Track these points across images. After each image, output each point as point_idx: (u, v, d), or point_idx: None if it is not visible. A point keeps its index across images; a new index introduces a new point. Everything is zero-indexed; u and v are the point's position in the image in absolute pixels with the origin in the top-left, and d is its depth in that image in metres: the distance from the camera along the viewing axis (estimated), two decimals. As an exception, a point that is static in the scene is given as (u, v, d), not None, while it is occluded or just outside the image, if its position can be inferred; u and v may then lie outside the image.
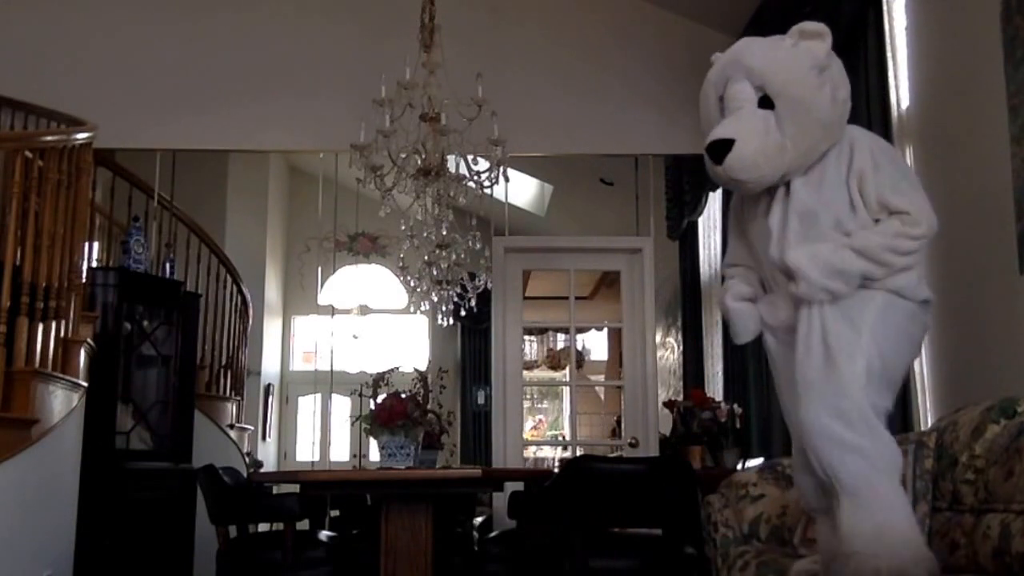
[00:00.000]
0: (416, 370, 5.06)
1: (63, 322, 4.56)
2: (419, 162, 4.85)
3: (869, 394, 2.32)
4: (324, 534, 4.85)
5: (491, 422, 6.36)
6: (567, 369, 9.27)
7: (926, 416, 3.65)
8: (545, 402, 11.74)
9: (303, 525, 4.71)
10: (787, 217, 2.48)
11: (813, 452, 2.33)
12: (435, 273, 5.87)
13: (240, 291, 7.32)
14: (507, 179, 5.01)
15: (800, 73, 2.44)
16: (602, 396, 11.06)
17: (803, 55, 2.46)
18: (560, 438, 11.00)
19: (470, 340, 8.84)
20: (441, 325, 6.95)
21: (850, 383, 2.31)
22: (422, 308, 6.45)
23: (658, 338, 6.62)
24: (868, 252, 2.38)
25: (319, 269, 7.15)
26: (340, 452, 7.76)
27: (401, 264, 6.27)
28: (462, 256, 5.82)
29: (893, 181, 2.44)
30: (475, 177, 4.91)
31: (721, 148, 2.44)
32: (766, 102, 2.46)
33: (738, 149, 2.42)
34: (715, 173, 2.49)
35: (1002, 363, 3.17)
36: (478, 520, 6.22)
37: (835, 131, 2.48)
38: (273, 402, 7.95)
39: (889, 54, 4.00)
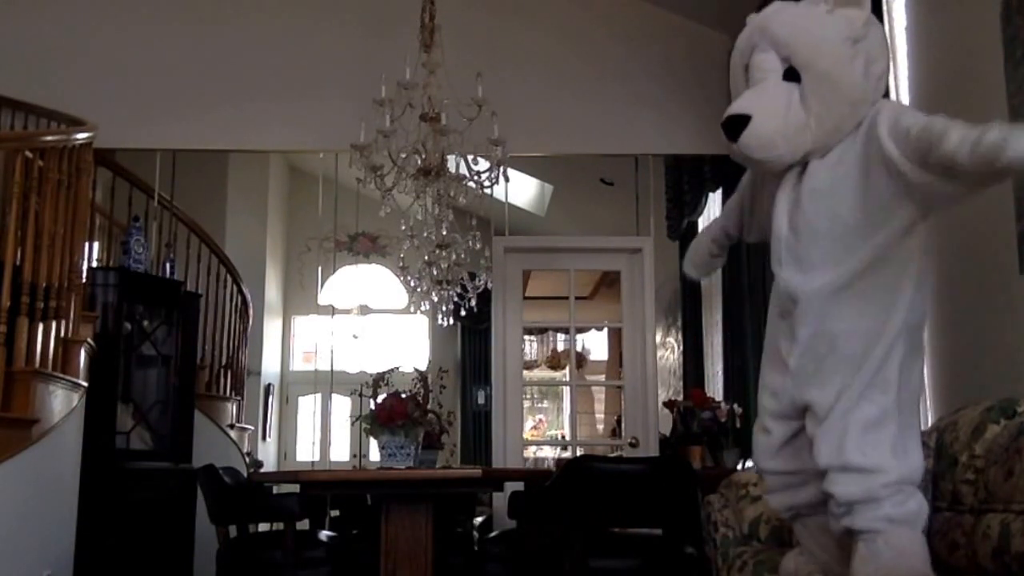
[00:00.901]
0: (416, 370, 5.06)
1: (63, 322, 4.56)
2: (419, 162, 4.85)
3: None
4: (324, 534, 4.85)
5: (491, 422, 6.36)
6: (567, 369, 9.27)
7: (926, 416, 3.65)
8: (545, 402, 11.74)
9: (303, 525, 4.71)
10: (799, 199, 2.32)
11: None
12: (435, 273, 5.87)
13: (240, 291, 7.32)
14: (507, 179, 5.01)
15: (831, 44, 2.25)
16: (602, 396, 11.06)
17: (836, 24, 2.26)
18: (560, 438, 11.00)
19: (470, 340, 8.85)
20: (441, 325, 6.95)
21: None
22: (422, 308, 6.45)
23: (658, 338, 6.62)
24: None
25: (319, 269, 7.15)
26: (340, 452, 7.76)
27: (401, 264, 6.26)
28: (462, 256, 5.81)
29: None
30: (475, 177, 4.91)
31: (737, 124, 2.26)
32: (792, 73, 2.28)
33: (754, 127, 2.25)
34: (730, 150, 2.32)
35: (1002, 363, 3.17)
36: (478, 520, 6.22)
37: (864, 109, 2.27)
38: (273, 402, 7.95)
39: (889, 54, 3.99)
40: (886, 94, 3.58)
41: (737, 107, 2.30)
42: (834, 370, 2.25)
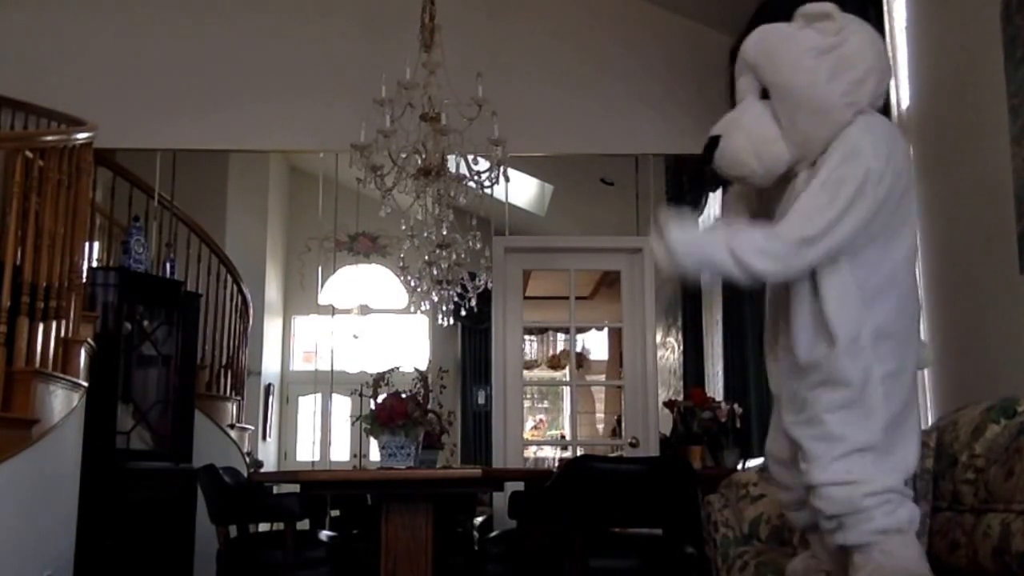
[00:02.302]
0: (416, 370, 5.06)
1: (63, 322, 4.56)
2: (419, 162, 4.86)
3: None
4: (324, 534, 4.85)
5: (491, 422, 6.36)
6: (567, 369, 9.27)
7: (926, 416, 3.65)
8: (545, 402, 11.75)
9: (303, 525, 4.71)
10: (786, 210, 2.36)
11: None
12: (435, 273, 5.87)
13: (240, 291, 7.32)
14: (507, 179, 5.02)
15: (791, 58, 2.32)
16: (602, 396, 11.06)
17: (799, 39, 2.34)
18: (560, 438, 11.00)
19: (470, 340, 8.85)
20: (441, 325, 6.95)
21: None
22: (422, 308, 6.45)
23: (658, 338, 6.62)
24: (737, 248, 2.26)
25: (319, 269, 7.15)
26: (340, 452, 7.77)
27: (401, 264, 6.26)
28: (462, 256, 5.81)
29: (816, 202, 2.25)
30: (475, 177, 4.91)
31: (712, 145, 2.38)
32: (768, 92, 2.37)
33: (721, 146, 2.36)
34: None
35: (1002, 363, 3.17)
36: (478, 520, 6.22)
37: (834, 116, 2.29)
38: (273, 402, 7.95)
39: (889, 54, 4.00)
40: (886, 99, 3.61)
41: (713, 129, 2.40)
42: (803, 391, 2.32)
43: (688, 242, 2.29)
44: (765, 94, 2.37)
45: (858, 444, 2.21)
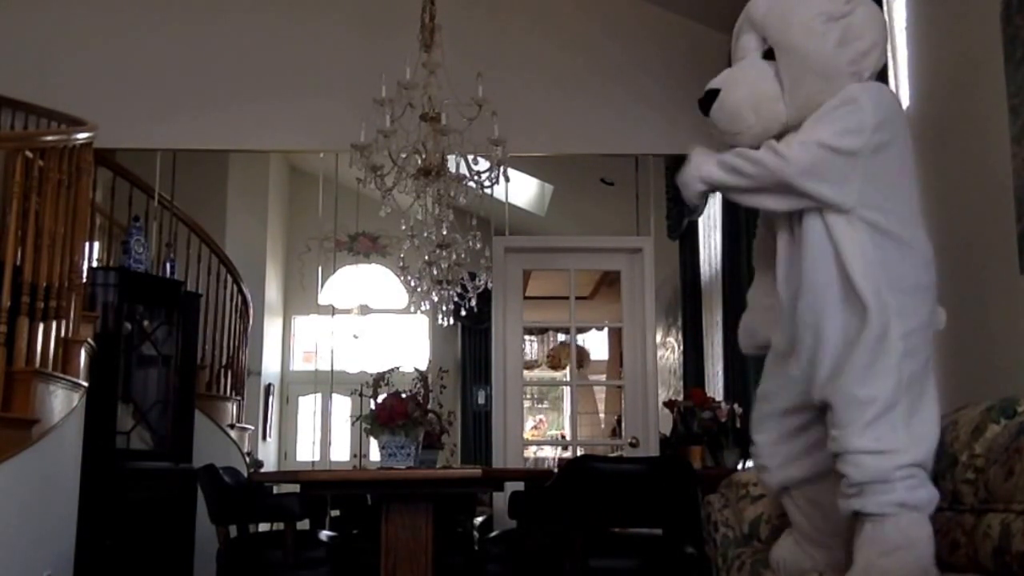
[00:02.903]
0: (416, 370, 5.06)
1: (63, 322, 4.56)
2: (419, 162, 4.86)
3: None
4: (324, 534, 4.85)
5: (491, 422, 6.37)
6: (567, 369, 9.27)
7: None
8: (545, 402, 11.75)
9: (303, 525, 4.71)
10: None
11: None
12: (435, 273, 5.86)
13: (240, 291, 7.32)
14: (507, 179, 5.01)
15: (800, 19, 2.35)
16: (602, 396, 11.06)
17: (810, 2, 2.37)
18: (560, 438, 11.01)
19: (470, 340, 8.85)
20: (441, 325, 6.95)
21: None
22: (422, 308, 6.45)
23: (658, 338, 6.63)
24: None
25: (319, 269, 7.15)
26: (340, 452, 7.77)
27: (401, 264, 6.26)
28: (462, 256, 5.81)
29: (819, 124, 2.32)
30: (475, 177, 4.91)
31: (711, 98, 2.40)
32: (772, 53, 2.39)
33: (721, 98, 2.38)
34: (709, 125, 2.46)
35: (1002, 363, 3.17)
36: (478, 520, 6.22)
37: (838, 83, 2.35)
38: (273, 402, 7.95)
39: (889, 54, 4.00)
40: (884, 77, 3.63)
41: (711, 83, 2.43)
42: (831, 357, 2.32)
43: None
44: (767, 55, 2.40)
45: (883, 404, 2.23)
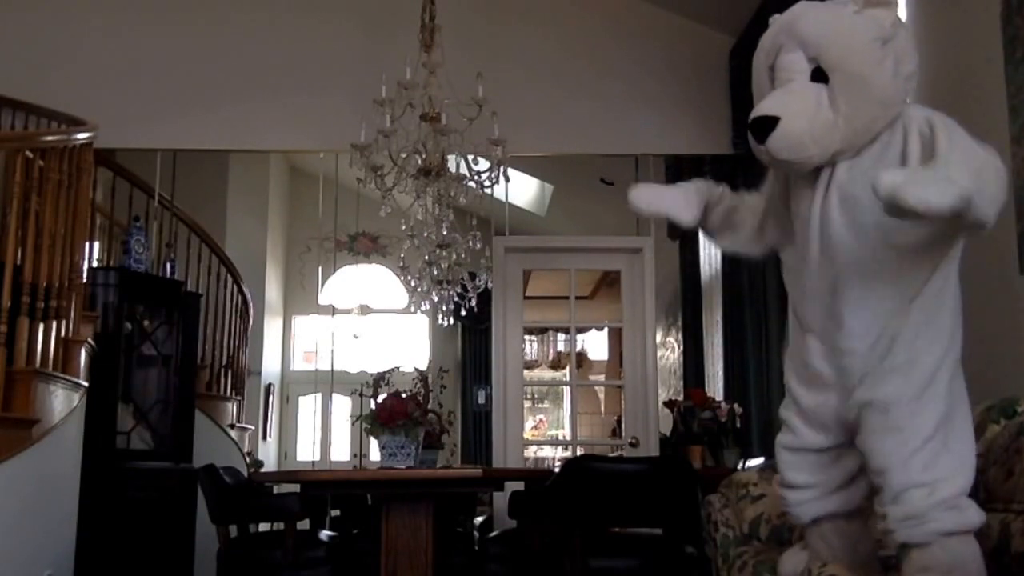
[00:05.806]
0: (416, 370, 5.06)
1: (64, 322, 4.56)
2: (419, 162, 4.86)
3: None
4: (324, 534, 4.86)
5: (491, 422, 6.36)
6: (567, 369, 9.27)
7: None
8: (545, 402, 11.75)
9: (303, 525, 4.72)
10: (827, 201, 2.29)
11: None
12: (435, 273, 5.87)
13: (241, 291, 7.32)
14: (507, 179, 5.01)
15: (860, 45, 2.22)
16: (602, 396, 11.06)
17: (865, 24, 2.23)
18: (560, 438, 11.01)
19: (470, 340, 8.86)
20: (441, 325, 6.95)
21: None
22: (422, 308, 6.45)
23: (658, 338, 6.63)
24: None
25: (319, 269, 7.15)
26: (340, 452, 7.77)
27: (401, 264, 6.27)
28: (462, 256, 5.82)
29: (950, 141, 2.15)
30: (475, 177, 4.91)
31: (765, 125, 2.22)
32: (820, 74, 2.24)
33: (783, 128, 2.21)
34: (757, 151, 2.29)
35: (1002, 363, 3.17)
36: (478, 520, 6.22)
37: (894, 109, 2.23)
38: (274, 402, 7.95)
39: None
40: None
41: (765, 108, 2.26)
42: (892, 372, 2.21)
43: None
44: (814, 76, 2.26)
45: (927, 431, 2.14)
